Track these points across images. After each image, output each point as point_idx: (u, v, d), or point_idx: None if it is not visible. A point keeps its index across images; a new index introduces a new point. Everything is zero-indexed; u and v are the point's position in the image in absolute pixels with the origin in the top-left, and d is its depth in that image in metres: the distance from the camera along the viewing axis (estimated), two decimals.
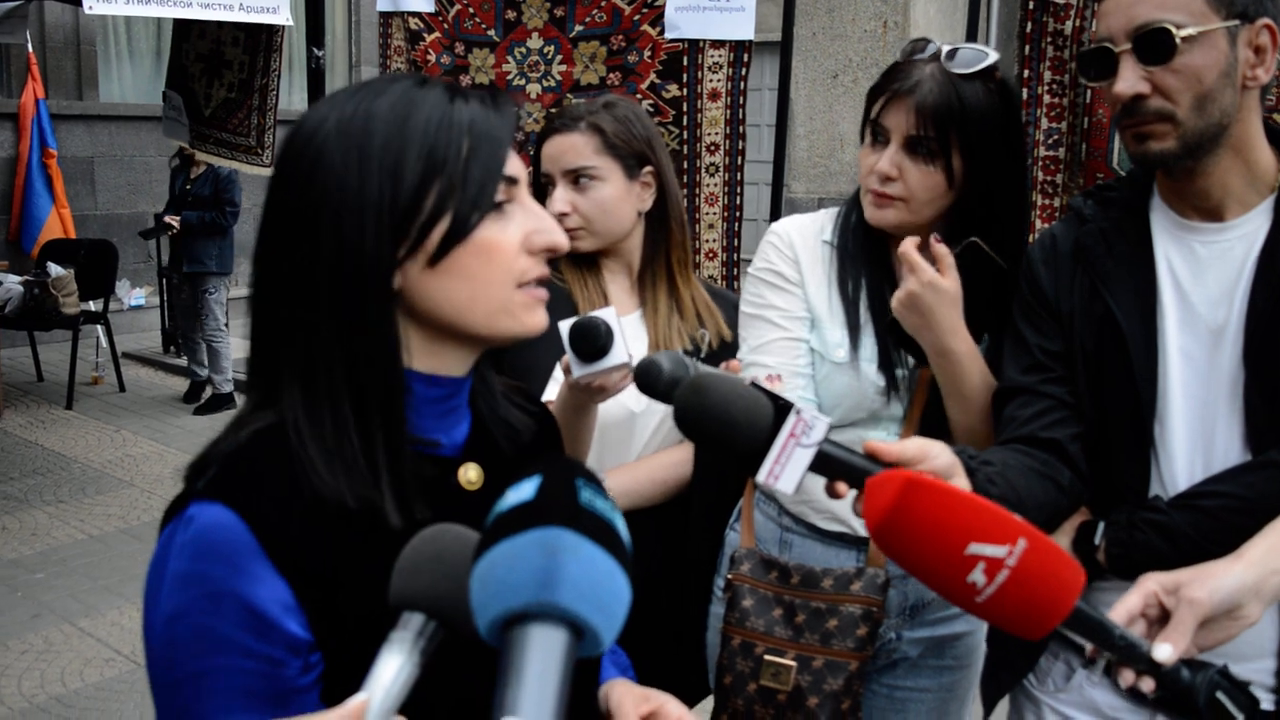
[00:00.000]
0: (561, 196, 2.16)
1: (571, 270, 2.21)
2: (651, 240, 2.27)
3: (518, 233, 1.23)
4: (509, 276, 1.22)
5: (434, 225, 1.17)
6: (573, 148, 2.17)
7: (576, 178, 2.17)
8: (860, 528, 2.04)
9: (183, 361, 9.33)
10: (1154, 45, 1.59)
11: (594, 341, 1.68)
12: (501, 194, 1.21)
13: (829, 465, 1.32)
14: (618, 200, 2.20)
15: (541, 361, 2.06)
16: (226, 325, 8.58)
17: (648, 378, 1.47)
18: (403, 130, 1.17)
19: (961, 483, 1.50)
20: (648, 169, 2.23)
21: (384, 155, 1.16)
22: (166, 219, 8.36)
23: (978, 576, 1.16)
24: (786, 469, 1.29)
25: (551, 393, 2.04)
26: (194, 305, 8.52)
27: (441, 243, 1.17)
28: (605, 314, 1.71)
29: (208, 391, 8.74)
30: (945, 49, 1.94)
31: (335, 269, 1.16)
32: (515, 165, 1.23)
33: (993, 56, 1.91)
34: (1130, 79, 1.61)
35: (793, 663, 2.02)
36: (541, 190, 2.22)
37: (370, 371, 1.17)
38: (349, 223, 1.15)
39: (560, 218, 2.14)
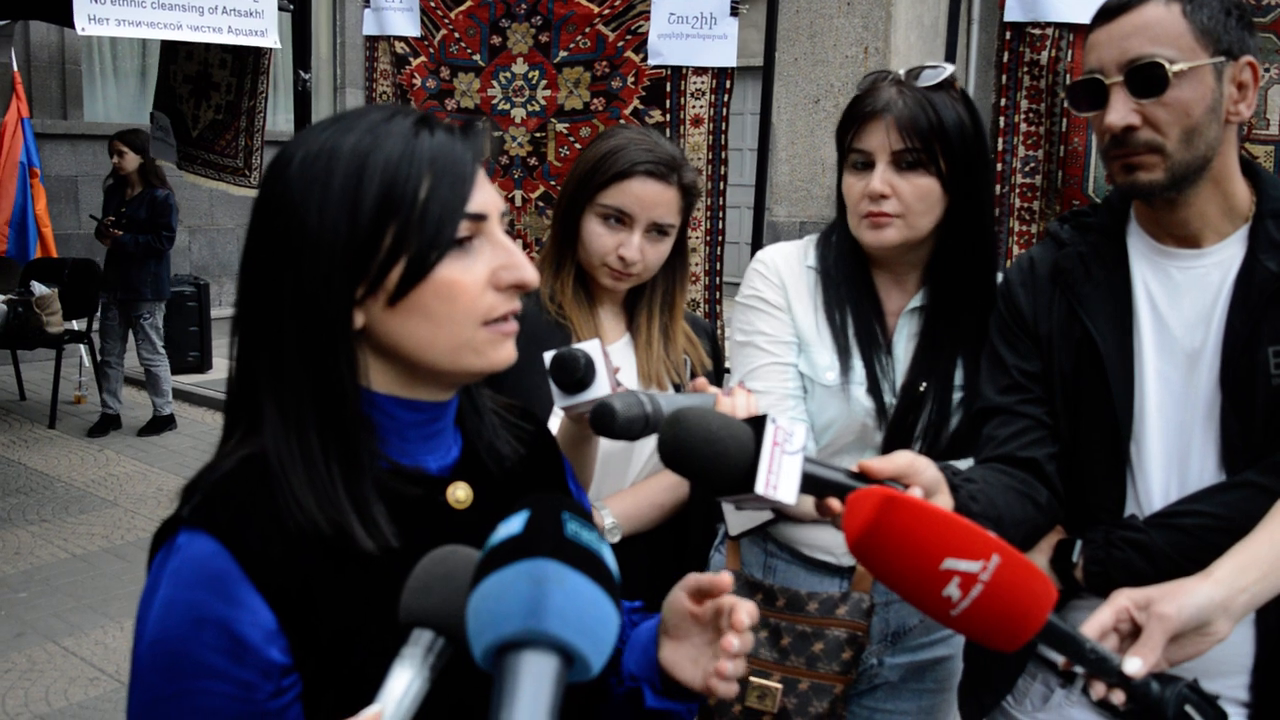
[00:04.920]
0: (637, 244, 2.17)
1: (575, 306, 2.23)
2: (653, 278, 2.29)
3: (484, 270, 1.21)
4: (472, 315, 1.21)
5: (392, 265, 1.17)
6: (666, 203, 2.18)
7: (658, 230, 2.19)
8: (844, 558, 2.07)
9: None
10: (1146, 79, 1.63)
11: (572, 374, 1.67)
12: (465, 230, 1.19)
13: (818, 484, 1.36)
14: (667, 252, 2.25)
15: (544, 389, 2.08)
16: (163, 349, 8.45)
17: (601, 420, 1.47)
18: (362, 169, 1.16)
19: (945, 500, 1.53)
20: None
21: (342, 194, 1.16)
22: (107, 223, 8.09)
23: (953, 591, 1.20)
24: (781, 478, 1.30)
25: (554, 425, 2.06)
26: (122, 330, 8.36)
27: (400, 282, 1.17)
28: (588, 346, 1.69)
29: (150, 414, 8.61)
30: (903, 71, 2.00)
31: (295, 304, 1.18)
32: (482, 200, 1.21)
33: (949, 69, 1.97)
34: (1122, 110, 1.66)
35: (778, 685, 2.04)
36: (574, 211, 2.22)
37: (331, 402, 1.19)
38: (307, 260, 1.16)
39: (630, 263, 2.17)
